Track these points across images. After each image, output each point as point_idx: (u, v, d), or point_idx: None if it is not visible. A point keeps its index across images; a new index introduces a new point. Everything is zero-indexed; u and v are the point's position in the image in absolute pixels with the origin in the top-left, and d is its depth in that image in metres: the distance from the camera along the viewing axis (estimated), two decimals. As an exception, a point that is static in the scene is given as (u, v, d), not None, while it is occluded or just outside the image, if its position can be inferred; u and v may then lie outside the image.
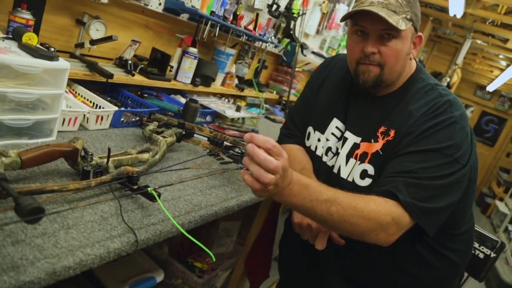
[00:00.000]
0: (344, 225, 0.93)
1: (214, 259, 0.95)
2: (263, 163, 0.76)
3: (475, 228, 1.43)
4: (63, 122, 1.15)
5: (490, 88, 8.32)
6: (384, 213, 0.94)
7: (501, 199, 6.88)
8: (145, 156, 1.07)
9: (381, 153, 1.12)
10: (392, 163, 1.07)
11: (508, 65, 6.74)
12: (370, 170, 1.13)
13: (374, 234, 0.95)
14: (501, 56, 6.83)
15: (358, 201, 0.93)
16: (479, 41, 6.22)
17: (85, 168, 0.90)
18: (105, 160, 0.95)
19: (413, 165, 1.02)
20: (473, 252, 1.58)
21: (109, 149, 0.95)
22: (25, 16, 1.21)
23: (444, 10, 5.02)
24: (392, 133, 1.11)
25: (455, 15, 4.77)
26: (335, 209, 0.90)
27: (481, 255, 1.60)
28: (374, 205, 0.94)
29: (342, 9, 3.03)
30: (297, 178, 0.87)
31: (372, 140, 1.14)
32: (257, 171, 0.77)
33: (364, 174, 1.14)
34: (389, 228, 0.95)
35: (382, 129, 1.13)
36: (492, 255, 1.59)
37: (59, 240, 0.71)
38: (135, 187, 0.90)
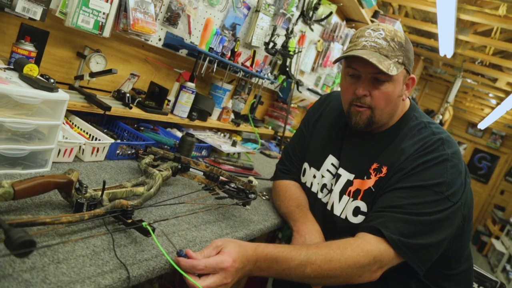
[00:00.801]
0: (324, 280, 0.92)
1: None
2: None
3: (474, 267, 1.41)
4: (59, 153, 1.14)
5: (482, 125, 8.48)
6: (363, 255, 0.93)
7: (497, 237, 6.82)
8: (140, 189, 1.06)
9: (373, 189, 1.12)
10: (382, 198, 1.07)
11: (498, 104, 6.91)
12: (363, 207, 1.13)
13: (357, 276, 0.94)
14: (491, 95, 7.02)
15: (333, 252, 0.92)
16: (469, 80, 6.41)
17: (79, 200, 0.88)
18: (100, 192, 0.94)
19: (402, 201, 1.02)
20: (472, 292, 1.54)
21: (104, 182, 0.94)
22: (28, 48, 1.23)
23: (435, 50, 5.19)
24: (384, 169, 1.12)
25: (445, 55, 4.93)
26: (310, 269, 0.89)
27: (480, 296, 1.57)
28: (350, 251, 0.93)
29: (336, 48, 3.12)
30: (262, 254, 0.87)
31: (365, 177, 1.14)
32: None
33: (357, 211, 1.14)
34: (371, 266, 0.95)
35: (374, 165, 1.14)
36: (491, 296, 1.56)
37: (48, 275, 0.68)
38: (129, 221, 0.89)
